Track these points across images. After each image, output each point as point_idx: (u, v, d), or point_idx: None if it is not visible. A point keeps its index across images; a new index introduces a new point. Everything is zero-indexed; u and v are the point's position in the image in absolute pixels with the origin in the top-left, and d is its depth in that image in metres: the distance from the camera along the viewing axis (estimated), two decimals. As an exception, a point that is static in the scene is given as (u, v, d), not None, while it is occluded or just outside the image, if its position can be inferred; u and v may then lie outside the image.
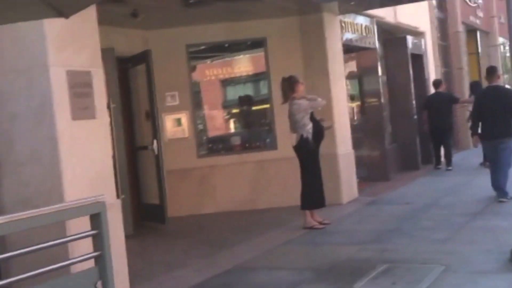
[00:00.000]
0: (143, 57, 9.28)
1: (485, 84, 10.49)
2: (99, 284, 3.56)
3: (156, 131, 9.13)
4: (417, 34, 14.94)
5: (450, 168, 13.44)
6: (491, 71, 9.69)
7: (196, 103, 10.57)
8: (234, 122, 11.04)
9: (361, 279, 5.69)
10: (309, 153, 8.28)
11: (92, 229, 3.58)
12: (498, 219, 7.88)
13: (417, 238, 7.31)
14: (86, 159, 5.51)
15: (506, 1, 5.98)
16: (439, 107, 13.34)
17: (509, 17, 5.97)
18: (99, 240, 3.56)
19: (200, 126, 10.66)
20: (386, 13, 12.60)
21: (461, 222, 7.92)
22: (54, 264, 3.45)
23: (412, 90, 14.01)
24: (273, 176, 10.26)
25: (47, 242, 3.45)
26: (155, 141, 9.06)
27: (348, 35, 11.28)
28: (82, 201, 3.63)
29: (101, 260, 3.57)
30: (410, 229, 7.79)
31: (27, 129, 5.34)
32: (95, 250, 3.59)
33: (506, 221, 7.58)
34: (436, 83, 13.86)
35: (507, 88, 11.38)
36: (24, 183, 5.33)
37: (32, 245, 3.38)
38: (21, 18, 4.55)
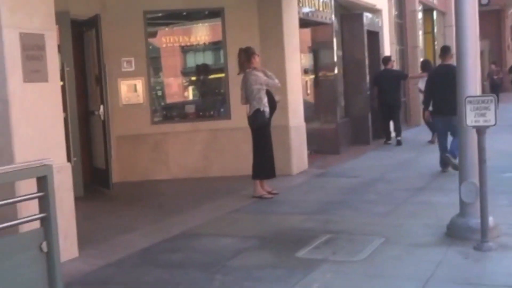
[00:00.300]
0: (93, 22, 9.23)
1: (438, 62, 10.78)
2: (44, 244, 3.62)
3: (103, 96, 9.13)
4: (374, 11, 15.13)
5: (399, 138, 13.89)
6: (445, 50, 10.31)
7: (152, 70, 10.60)
8: (189, 90, 11.11)
9: (304, 248, 5.90)
10: (263, 125, 8.43)
11: (38, 191, 3.64)
12: (440, 194, 8.17)
13: (360, 210, 7.56)
14: (37, 121, 5.55)
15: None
16: (387, 83, 13.80)
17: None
18: (45, 202, 3.62)
19: (155, 93, 10.69)
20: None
21: (404, 197, 8.20)
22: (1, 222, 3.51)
23: (367, 67, 14.25)
24: (226, 145, 10.39)
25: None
26: (101, 107, 9.07)
27: (305, 9, 11.40)
28: (28, 163, 3.67)
29: (47, 222, 3.63)
30: (355, 202, 8.04)
31: (-22, 89, 5.34)
32: (41, 212, 3.65)
33: (447, 196, 7.86)
34: (385, 60, 14.32)
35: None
36: (-26, 143, 5.35)
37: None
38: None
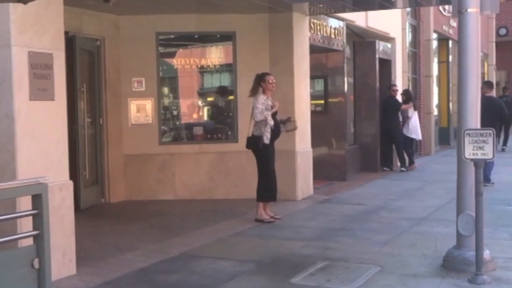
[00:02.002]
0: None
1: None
2: (36, 261, 3.70)
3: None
4: (388, 39, 15.21)
5: (403, 169, 14.29)
6: (488, 84, 12.51)
7: (162, 90, 10.73)
8: (198, 112, 11.21)
9: (299, 274, 5.95)
10: (255, 150, 8.57)
11: (33, 208, 3.72)
12: (441, 225, 8.17)
13: (360, 238, 7.58)
14: (41, 138, 5.67)
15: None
16: (386, 110, 14.34)
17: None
18: (38, 219, 3.71)
19: (165, 114, 10.81)
20: (357, 17, 12.83)
21: (406, 226, 8.22)
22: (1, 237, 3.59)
23: (378, 94, 14.30)
24: (232, 168, 10.47)
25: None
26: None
27: (317, 36, 11.49)
28: (24, 181, 3.78)
29: (40, 239, 3.71)
30: (356, 230, 8.07)
31: (-15, 105, 5.47)
32: (34, 229, 3.73)
33: (448, 227, 7.85)
34: (388, 87, 14.50)
35: (500, 100, 13.84)
36: (-22, 158, 5.47)
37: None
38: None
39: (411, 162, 14.64)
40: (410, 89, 16.76)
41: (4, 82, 5.42)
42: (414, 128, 14.95)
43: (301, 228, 8.23)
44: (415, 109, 15.12)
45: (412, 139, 15.03)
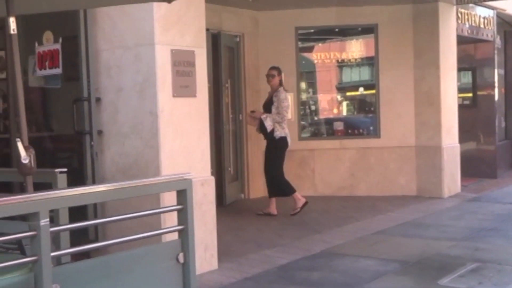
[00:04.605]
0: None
1: None
2: (180, 256, 3.72)
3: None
4: (543, 27, 14.19)
5: None
6: None
7: (302, 85, 10.66)
8: (339, 106, 11.03)
9: (448, 275, 5.63)
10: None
11: (178, 204, 3.74)
12: None
13: (514, 240, 7.09)
14: (183, 135, 5.75)
15: None
16: None
17: None
18: (183, 214, 3.71)
19: (304, 109, 10.73)
20: (508, 5, 12.07)
21: None
22: (146, 231, 3.65)
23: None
24: (374, 164, 10.20)
25: (139, 212, 3.66)
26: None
27: (464, 26, 10.95)
28: (169, 177, 3.80)
29: (184, 234, 3.72)
30: (508, 230, 7.56)
31: (130, 102, 5.63)
32: (179, 224, 3.75)
33: None
34: None
35: None
36: (125, 153, 5.65)
37: (124, 214, 3.61)
38: (130, 0, 4.83)
39: None
40: None
41: (148, 80, 5.54)
42: None
43: (448, 227, 7.82)
44: None
45: None
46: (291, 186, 8.71)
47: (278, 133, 8.54)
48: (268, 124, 8.51)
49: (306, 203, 8.60)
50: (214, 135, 9.36)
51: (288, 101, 8.72)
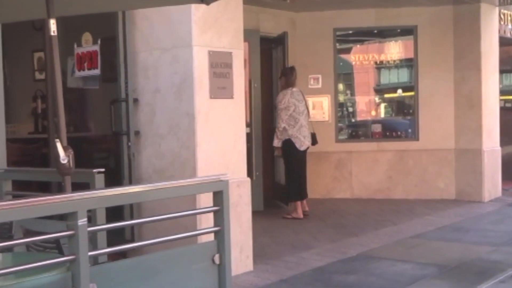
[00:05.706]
0: (281, 40, 9.43)
1: None
2: (216, 257, 3.72)
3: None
4: None
5: None
6: None
7: (339, 87, 10.60)
8: (377, 108, 10.93)
9: (487, 281, 5.52)
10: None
11: (214, 205, 3.74)
12: None
13: (557, 246, 6.91)
14: (220, 136, 5.75)
15: None
16: None
17: None
18: (219, 216, 3.71)
19: (341, 111, 10.67)
20: (553, 5, 11.83)
21: None
22: (182, 232, 3.67)
23: None
24: (412, 166, 10.09)
25: (175, 212, 3.68)
26: None
27: (507, 28, 10.79)
28: (206, 178, 3.81)
29: (220, 235, 3.72)
30: (550, 236, 7.39)
31: (167, 103, 5.65)
32: (215, 225, 3.75)
33: None
34: None
35: None
36: (161, 154, 5.67)
37: (160, 214, 3.62)
38: (168, 2, 4.85)
39: None
40: None
41: (185, 81, 5.56)
42: None
43: (488, 232, 7.68)
44: None
45: None
46: (298, 194, 8.68)
47: (276, 141, 8.56)
48: (275, 142, 8.58)
49: (300, 218, 8.58)
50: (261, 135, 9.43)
51: (286, 103, 8.54)
